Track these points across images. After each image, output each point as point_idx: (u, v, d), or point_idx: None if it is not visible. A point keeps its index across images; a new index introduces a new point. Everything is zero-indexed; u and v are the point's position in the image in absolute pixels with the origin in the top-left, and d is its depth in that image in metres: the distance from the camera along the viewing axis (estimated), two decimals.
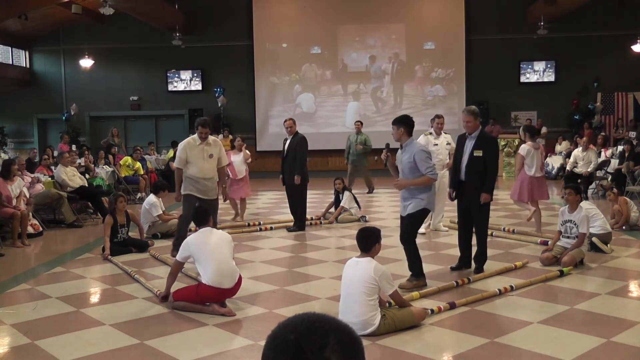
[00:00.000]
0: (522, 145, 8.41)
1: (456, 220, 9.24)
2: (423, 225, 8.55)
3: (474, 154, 6.19)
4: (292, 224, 9.36)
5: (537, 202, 8.38)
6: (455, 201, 6.55)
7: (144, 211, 8.75)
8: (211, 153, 7.16)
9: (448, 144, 8.52)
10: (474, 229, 6.45)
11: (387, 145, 6.00)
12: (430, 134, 8.58)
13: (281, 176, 9.26)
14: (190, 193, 7.11)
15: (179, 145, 7.45)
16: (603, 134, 15.80)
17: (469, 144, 6.30)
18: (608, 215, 8.43)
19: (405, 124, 5.81)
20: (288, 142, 9.15)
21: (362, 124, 13.86)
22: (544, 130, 17.82)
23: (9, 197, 8.44)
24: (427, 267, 6.67)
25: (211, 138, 7.24)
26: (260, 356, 1.19)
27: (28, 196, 9.12)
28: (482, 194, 6.14)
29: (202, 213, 5.58)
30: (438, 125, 8.53)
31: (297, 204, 9.12)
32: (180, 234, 7.03)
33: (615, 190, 8.95)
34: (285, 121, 9.32)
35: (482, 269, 6.30)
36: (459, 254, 7.32)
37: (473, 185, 6.22)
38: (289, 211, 9.37)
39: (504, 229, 8.59)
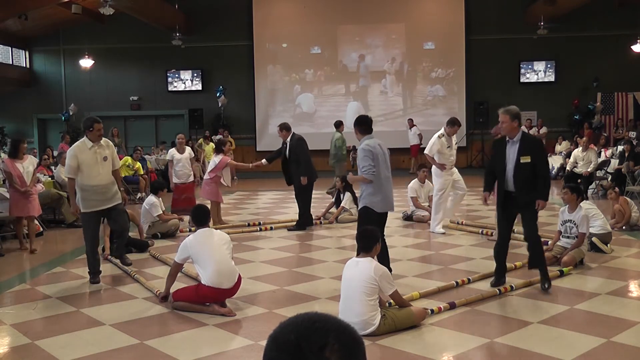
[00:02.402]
0: None
1: (457, 220, 9.33)
2: (440, 225, 8.60)
3: (521, 161, 5.56)
4: (293, 223, 9.42)
5: None
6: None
7: (144, 211, 8.75)
8: (105, 155, 6.32)
9: (456, 143, 8.83)
10: (524, 237, 6.01)
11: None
12: (443, 135, 8.61)
13: (285, 178, 9.39)
14: (90, 210, 6.25)
15: (67, 152, 6.53)
16: (604, 134, 15.80)
17: (511, 150, 5.65)
18: (608, 215, 8.42)
19: (357, 124, 5.99)
20: (287, 145, 9.21)
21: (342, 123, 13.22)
22: (543, 130, 17.82)
23: (19, 176, 7.98)
24: (427, 267, 6.68)
25: (103, 139, 6.41)
26: (261, 356, 1.19)
27: (38, 179, 8.73)
28: (539, 201, 5.55)
29: (201, 213, 5.56)
30: (453, 131, 8.68)
31: (301, 204, 9.18)
32: (88, 257, 6.35)
33: (616, 189, 8.95)
34: (278, 132, 9.36)
35: (548, 277, 5.70)
36: (460, 254, 7.34)
37: (524, 194, 5.58)
38: (296, 211, 9.44)
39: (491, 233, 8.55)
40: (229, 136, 18.06)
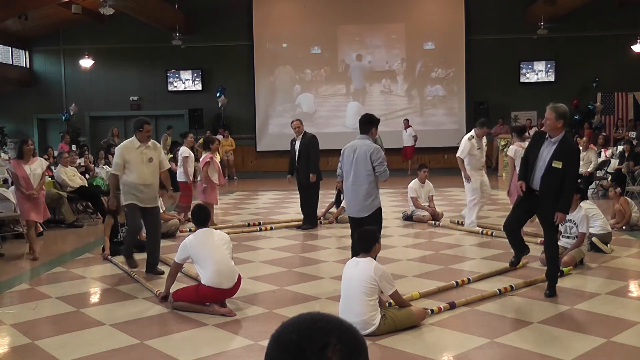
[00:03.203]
0: (510, 147, 8.30)
1: (457, 220, 9.34)
2: (475, 223, 8.72)
3: (553, 165, 5.35)
4: (293, 223, 9.45)
5: None
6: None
7: None
8: (150, 156, 6.51)
9: (485, 145, 8.84)
10: (538, 244, 5.99)
11: None
12: (473, 137, 8.70)
13: (289, 176, 9.44)
14: (131, 202, 6.47)
15: (115, 149, 6.81)
16: (604, 134, 15.78)
17: (546, 150, 5.44)
18: (608, 215, 8.42)
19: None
20: (298, 142, 9.24)
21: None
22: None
23: (25, 178, 7.61)
24: (427, 267, 6.68)
25: (151, 140, 6.62)
26: (263, 356, 1.19)
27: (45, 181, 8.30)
28: (558, 213, 5.39)
29: (202, 213, 5.56)
30: (483, 133, 8.72)
31: (309, 202, 9.25)
32: (128, 247, 6.67)
33: (617, 189, 8.94)
34: (292, 122, 9.47)
35: (554, 291, 5.55)
36: (460, 254, 7.35)
37: (548, 198, 5.43)
38: (296, 210, 9.54)
39: (491, 233, 8.55)
40: (229, 136, 18.11)
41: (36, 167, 7.77)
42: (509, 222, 5.89)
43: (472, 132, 8.79)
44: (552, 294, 5.52)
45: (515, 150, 8.07)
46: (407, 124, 17.72)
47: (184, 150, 10.04)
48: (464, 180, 8.72)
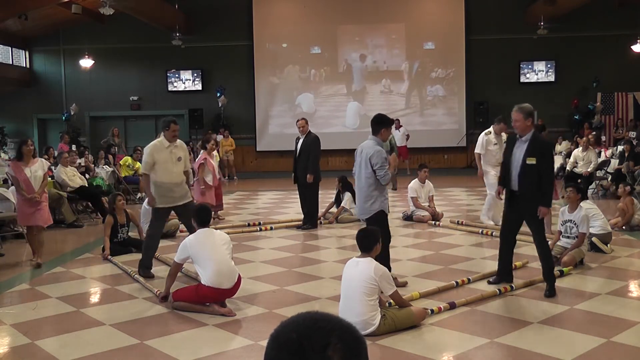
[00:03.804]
0: None
1: (457, 220, 9.34)
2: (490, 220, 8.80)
3: (527, 162, 5.49)
4: (293, 223, 9.44)
5: None
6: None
7: (144, 211, 8.73)
8: (179, 156, 6.60)
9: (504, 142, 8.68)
10: (533, 243, 5.87)
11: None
12: (490, 133, 8.72)
13: (293, 175, 9.42)
14: (161, 206, 6.52)
15: (145, 149, 6.81)
16: (594, 132, 15.74)
17: (519, 150, 5.61)
18: (609, 215, 8.41)
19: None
20: (301, 141, 9.27)
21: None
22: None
23: (25, 181, 7.13)
24: (427, 267, 6.68)
25: (178, 140, 6.71)
26: (262, 356, 1.19)
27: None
28: (541, 207, 5.47)
29: (204, 213, 5.55)
30: (500, 129, 8.74)
31: (309, 202, 9.25)
32: (149, 252, 6.59)
33: (628, 187, 8.92)
34: (298, 121, 9.51)
35: (553, 291, 5.53)
36: (460, 254, 7.34)
37: (528, 196, 5.53)
38: (296, 210, 9.53)
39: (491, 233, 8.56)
40: (229, 136, 18.11)
41: (37, 168, 7.28)
42: (502, 231, 6.00)
43: (490, 128, 8.90)
44: (551, 294, 5.50)
45: None
46: (397, 124, 17.63)
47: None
48: (484, 176, 8.83)
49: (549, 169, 5.69)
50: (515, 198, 5.66)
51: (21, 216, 7.40)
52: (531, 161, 5.46)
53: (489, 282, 5.87)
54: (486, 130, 8.92)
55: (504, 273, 5.91)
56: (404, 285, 5.72)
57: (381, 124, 5.83)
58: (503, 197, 5.99)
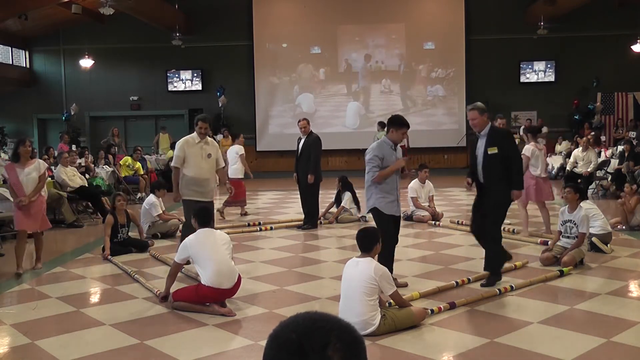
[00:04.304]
0: (527, 146, 8.25)
1: (457, 220, 9.34)
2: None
3: (489, 152, 5.77)
4: (293, 223, 9.45)
5: (544, 203, 8.30)
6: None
7: (144, 211, 8.75)
8: (209, 153, 6.85)
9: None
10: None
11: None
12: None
13: (295, 175, 9.43)
14: (190, 198, 6.72)
15: (176, 143, 7.16)
16: (593, 133, 15.73)
17: (481, 144, 5.88)
18: (609, 215, 8.41)
19: None
20: (302, 141, 9.28)
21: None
22: (544, 129, 17.83)
23: (16, 185, 6.73)
24: (427, 267, 6.68)
25: (208, 138, 6.99)
26: (262, 356, 1.19)
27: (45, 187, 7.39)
28: (513, 191, 5.77)
29: (206, 213, 5.56)
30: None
31: (310, 203, 9.27)
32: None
33: (634, 185, 8.91)
34: (299, 121, 9.52)
35: (493, 282, 5.79)
36: (460, 254, 7.35)
37: (493, 184, 5.80)
38: (297, 210, 9.56)
39: (504, 228, 8.56)
40: (229, 136, 18.08)
41: (31, 170, 6.79)
42: (473, 230, 6.26)
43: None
44: (489, 282, 5.75)
45: (532, 150, 8.10)
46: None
47: (239, 149, 10.62)
48: None
49: (516, 153, 5.95)
50: (481, 189, 5.92)
51: (16, 219, 6.99)
52: (492, 151, 5.75)
53: (482, 285, 5.85)
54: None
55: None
56: (404, 285, 5.72)
57: (390, 124, 5.82)
58: (472, 187, 6.08)
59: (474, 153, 6.02)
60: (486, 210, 5.88)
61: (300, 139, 9.41)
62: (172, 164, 7.19)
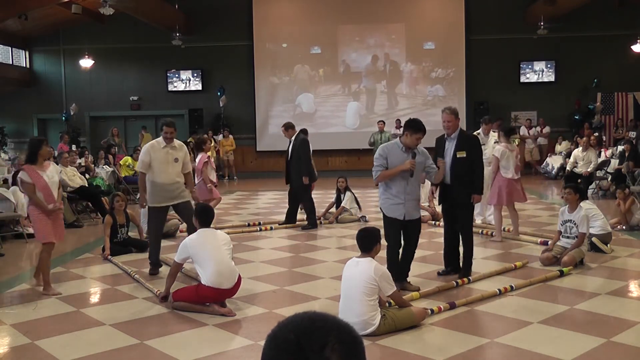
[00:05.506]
0: (497, 147, 8.03)
1: None
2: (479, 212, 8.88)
3: (457, 155, 6.06)
4: (293, 223, 9.47)
5: (514, 205, 8.13)
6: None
7: (144, 211, 8.73)
8: (176, 157, 6.64)
9: (496, 142, 8.55)
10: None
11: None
12: (479, 134, 8.78)
13: (285, 177, 9.49)
14: (155, 205, 6.59)
15: (142, 148, 6.91)
16: (595, 134, 15.74)
17: (449, 146, 6.18)
18: (608, 215, 8.41)
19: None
20: (291, 144, 9.38)
21: (384, 123, 15.13)
22: (546, 129, 17.85)
23: (45, 188, 5.88)
24: (427, 267, 6.68)
25: (176, 141, 6.75)
26: (260, 356, 1.19)
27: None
28: (474, 195, 6.09)
29: (206, 213, 5.54)
30: (488, 129, 8.89)
31: (305, 203, 9.33)
32: (152, 250, 6.71)
33: (627, 190, 8.92)
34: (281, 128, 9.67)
35: (468, 275, 6.05)
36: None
37: (459, 187, 6.05)
38: (298, 211, 9.57)
39: (503, 229, 8.56)
40: (229, 136, 18.11)
41: (52, 174, 6.10)
42: (445, 237, 6.38)
43: (480, 130, 9.01)
44: (466, 274, 5.99)
45: (502, 151, 7.87)
46: (398, 125, 17.57)
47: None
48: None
49: (479, 159, 6.24)
50: (447, 190, 6.16)
51: (42, 231, 5.94)
52: (461, 154, 6.07)
53: (439, 274, 6.23)
54: (476, 132, 8.90)
55: (454, 262, 6.28)
56: (417, 290, 5.64)
57: (406, 127, 5.69)
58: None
59: (439, 153, 6.25)
60: (460, 216, 6.16)
61: (289, 142, 9.48)
62: (137, 168, 7.11)
